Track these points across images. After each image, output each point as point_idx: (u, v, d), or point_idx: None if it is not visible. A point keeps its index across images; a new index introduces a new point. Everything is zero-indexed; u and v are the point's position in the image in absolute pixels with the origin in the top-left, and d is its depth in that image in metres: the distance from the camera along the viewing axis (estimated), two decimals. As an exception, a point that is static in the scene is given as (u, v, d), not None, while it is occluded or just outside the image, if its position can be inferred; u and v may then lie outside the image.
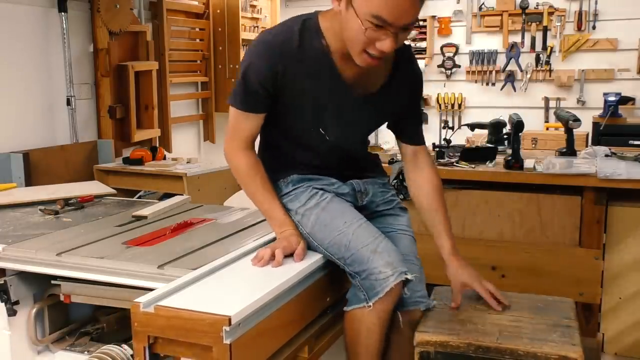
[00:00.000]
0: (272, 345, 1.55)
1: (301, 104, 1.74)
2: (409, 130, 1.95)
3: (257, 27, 5.33)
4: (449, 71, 5.59)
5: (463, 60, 5.56)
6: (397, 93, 1.82)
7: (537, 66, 5.30)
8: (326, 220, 1.76)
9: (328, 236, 1.73)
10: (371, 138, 5.73)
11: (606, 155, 3.12)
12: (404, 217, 1.96)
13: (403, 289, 1.69)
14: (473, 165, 3.00)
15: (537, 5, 5.25)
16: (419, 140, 1.96)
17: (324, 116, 1.77)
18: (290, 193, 1.84)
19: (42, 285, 2.01)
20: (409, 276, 1.67)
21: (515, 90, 5.41)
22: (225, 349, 1.35)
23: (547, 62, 5.26)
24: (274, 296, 1.53)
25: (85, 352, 2.02)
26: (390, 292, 1.64)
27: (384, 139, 5.42)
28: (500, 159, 3.03)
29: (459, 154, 3.10)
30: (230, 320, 1.34)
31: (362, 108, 1.79)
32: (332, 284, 1.80)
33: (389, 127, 1.98)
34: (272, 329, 1.53)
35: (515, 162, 2.90)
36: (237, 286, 1.57)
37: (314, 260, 1.74)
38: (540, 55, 5.27)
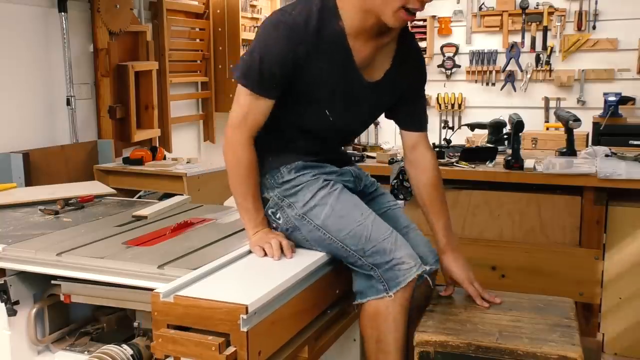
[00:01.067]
0: (286, 334, 1.60)
1: (315, 88, 1.72)
2: (410, 114, 1.95)
3: (257, 27, 5.33)
4: (449, 71, 5.59)
5: (463, 60, 5.56)
6: (401, 78, 1.83)
7: (537, 66, 5.29)
8: (342, 211, 1.74)
9: (346, 227, 1.72)
10: (371, 138, 5.75)
11: (606, 155, 3.12)
12: (387, 192, 2.05)
13: (418, 280, 1.74)
14: (473, 165, 3.00)
15: (537, 5, 5.25)
16: (420, 126, 1.97)
17: (334, 100, 1.76)
18: (293, 180, 1.79)
19: (42, 285, 2.01)
20: (427, 268, 1.76)
21: (515, 90, 5.41)
22: (243, 336, 1.40)
23: (547, 62, 5.26)
24: (288, 286, 1.58)
25: (85, 352, 2.02)
26: (411, 282, 1.69)
27: (384, 138, 5.42)
28: (500, 159, 3.03)
29: (459, 154, 3.10)
30: (247, 308, 1.40)
31: (368, 93, 1.79)
32: (342, 276, 1.84)
33: (388, 116, 1.98)
34: (286, 317, 1.58)
35: (515, 162, 2.90)
36: (252, 277, 1.64)
37: (324, 253, 1.79)
38: (540, 55, 5.27)
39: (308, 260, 1.73)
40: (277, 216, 1.82)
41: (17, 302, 1.94)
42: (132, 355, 1.78)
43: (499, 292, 1.94)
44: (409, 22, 1.70)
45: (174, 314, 1.47)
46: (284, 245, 1.73)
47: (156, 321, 1.49)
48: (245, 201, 1.78)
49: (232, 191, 1.79)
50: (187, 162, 3.65)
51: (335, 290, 1.86)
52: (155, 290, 1.50)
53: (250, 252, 1.80)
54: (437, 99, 5.63)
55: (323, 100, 1.75)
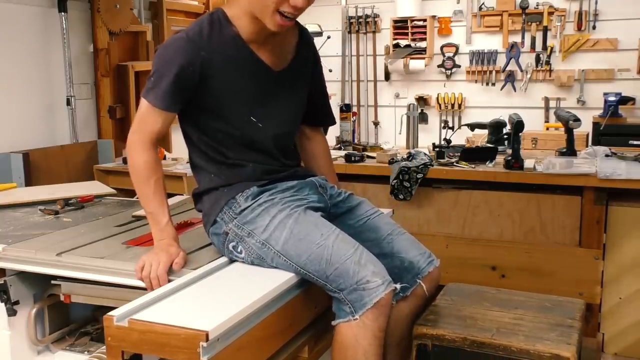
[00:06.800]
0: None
1: (230, 93, 1.74)
2: (315, 111, 2.02)
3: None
4: (449, 71, 5.58)
5: (463, 60, 5.55)
6: (303, 66, 1.90)
7: (537, 66, 5.29)
8: (301, 233, 1.64)
9: (305, 251, 1.61)
10: (371, 138, 5.74)
11: (606, 155, 3.12)
12: (365, 200, 1.95)
13: (393, 300, 1.62)
14: (473, 165, 3.00)
15: (537, 5, 5.24)
16: (321, 122, 2.08)
17: (252, 100, 1.77)
18: (251, 207, 1.72)
19: (42, 285, 2.01)
20: (398, 286, 1.63)
21: (515, 90, 5.40)
22: None
23: (547, 62, 5.25)
24: (257, 308, 1.46)
25: (85, 352, 2.02)
26: (380, 304, 1.54)
27: (384, 138, 5.41)
28: (500, 159, 3.03)
29: (459, 154, 3.10)
30: (207, 335, 1.27)
31: (279, 83, 1.81)
32: (320, 292, 1.69)
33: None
34: (254, 342, 1.45)
35: (515, 162, 2.90)
36: (217, 298, 1.50)
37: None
38: (540, 55, 5.26)
39: (281, 278, 1.60)
40: (239, 250, 1.74)
41: (17, 302, 1.94)
42: (132, 355, 1.78)
43: (511, 291, 1.95)
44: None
45: (128, 339, 1.34)
46: (175, 264, 1.65)
47: (110, 347, 1.36)
48: (147, 204, 1.74)
49: (139, 197, 1.78)
50: (187, 162, 3.64)
51: (315, 307, 1.75)
52: (109, 313, 1.38)
53: (218, 269, 1.71)
54: (437, 99, 5.62)
55: (242, 104, 1.76)
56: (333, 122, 2.13)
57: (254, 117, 1.77)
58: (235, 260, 1.77)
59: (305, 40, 1.92)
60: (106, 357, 1.39)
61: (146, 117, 1.73)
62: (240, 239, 1.72)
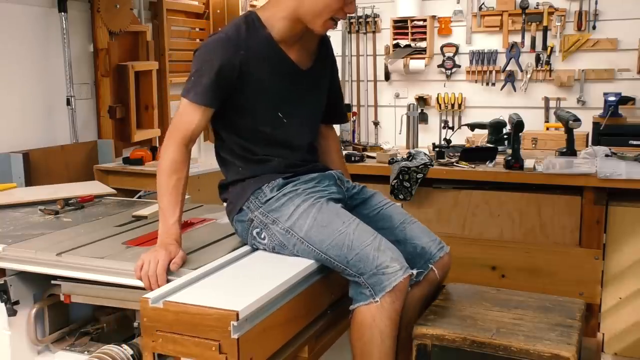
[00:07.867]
0: (278, 340, 1.57)
1: (263, 92, 1.81)
2: (331, 109, 2.07)
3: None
4: (449, 71, 5.58)
5: (463, 60, 5.55)
6: (324, 65, 1.99)
7: (537, 66, 5.29)
8: (324, 221, 1.74)
9: (328, 237, 1.71)
10: (371, 138, 5.74)
11: (606, 155, 3.12)
12: (378, 192, 2.04)
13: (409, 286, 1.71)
14: (473, 165, 3.00)
15: (537, 5, 5.24)
16: (337, 119, 2.15)
17: (282, 99, 1.85)
18: (276, 197, 1.81)
19: (42, 285, 2.01)
20: (415, 272, 1.72)
21: (515, 90, 5.40)
22: (233, 343, 1.38)
23: (547, 62, 5.25)
24: (281, 292, 1.56)
25: (85, 352, 2.02)
26: (398, 288, 1.64)
27: (384, 139, 5.41)
28: (500, 159, 3.03)
29: (459, 154, 3.10)
30: (238, 315, 1.38)
31: (307, 82, 1.90)
32: (337, 280, 1.80)
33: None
34: (279, 324, 1.55)
35: (515, 162, 2.90)
36: (244, 282, 1.60)
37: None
38: (540, 55, 5.27)
39: (301, 265, 1.71)
40: (262, 236, 1.83)
41: (17, 302, 1.94)
42: (132, 355, 1.78)
43: (511, 291, 1.95)
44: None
45: (164, 320, 1.45)
46: (173, 263, 1.66)
47: (145, 327, 1.46)
48: (161, 200, 1.77)
49: (158, 192, 1.81)
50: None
51: (331, 295, 1.84)
52: (144, 296, 1.48)
53: (245, 255, 1.79)
54: (437, 99, 5.62)
55: (273, 102, 1.84)
56: (346, 120, 2.24)
57: (281, 113, 1.86)
58: (256, 248, 1.86)
59: (324, 41, 2.00)
60: (142, 336, 1.49)
61: (184, 115, 1.78)
62: (265, 226, 1.81)
